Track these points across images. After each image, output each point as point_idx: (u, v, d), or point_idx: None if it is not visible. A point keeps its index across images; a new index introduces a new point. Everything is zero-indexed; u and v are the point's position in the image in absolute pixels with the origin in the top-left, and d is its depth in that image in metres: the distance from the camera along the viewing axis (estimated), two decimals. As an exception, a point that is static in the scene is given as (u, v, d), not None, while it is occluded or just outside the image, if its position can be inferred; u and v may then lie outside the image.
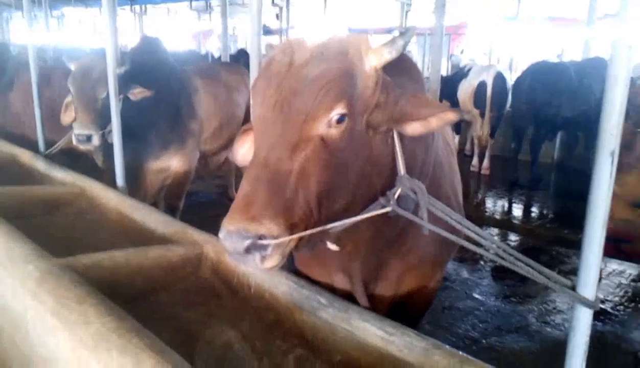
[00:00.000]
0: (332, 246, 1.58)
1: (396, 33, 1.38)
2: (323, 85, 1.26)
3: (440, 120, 1.33)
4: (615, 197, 4.45)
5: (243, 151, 1.68)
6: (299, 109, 1.26)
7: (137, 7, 15.83)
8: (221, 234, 1.20)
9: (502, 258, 1.36)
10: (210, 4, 14.81)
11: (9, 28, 15.03)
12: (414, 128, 1.36)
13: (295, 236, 1.23)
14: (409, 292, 1.93)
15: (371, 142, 1.39)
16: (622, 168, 4.09)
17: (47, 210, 2.96)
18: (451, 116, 1.33)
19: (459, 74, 8.42)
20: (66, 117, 3.65)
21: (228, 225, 1.19)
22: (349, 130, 1.31)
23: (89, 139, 3.33)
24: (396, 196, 1.42)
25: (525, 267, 1.33)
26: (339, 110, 1.27)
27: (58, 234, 2.66)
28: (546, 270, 1.34)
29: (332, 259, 1.79)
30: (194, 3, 14.15)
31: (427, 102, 1.39)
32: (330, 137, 1.28)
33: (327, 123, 1.27)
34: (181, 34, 18.83)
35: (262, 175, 1.22)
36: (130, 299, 2.02)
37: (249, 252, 1.19)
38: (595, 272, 1.29)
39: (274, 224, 1.18)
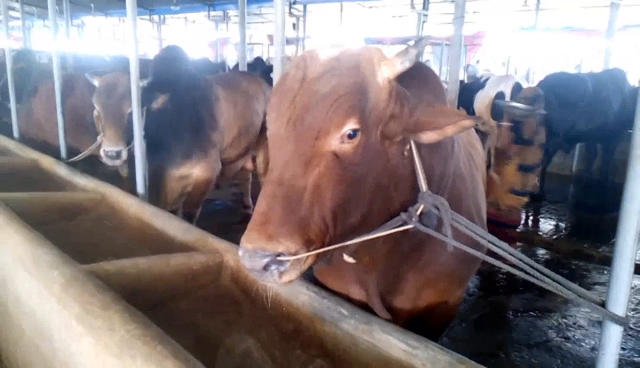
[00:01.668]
0: (348, 258, 1.58)
1: (412, 43, 1.36)
2: (334, 100, 1.26)
3: (457, 127, 1.33)
4: (499, 186, 4.63)
5: None
6: (311, 125, 1.26)
7: (155, 17, 16.11)
8: (240, 253, 1.23)
9: (530, 274, 1.34)
10: (227, 13, 15.01)
11: (30, 36, 15.36)
12: (429, 136, 1.35)
13: (313, 253, 1.24)
14: (427, 307, 1.91)
15: (387, 154, 1.38)
16: (503, 161, 4.34)
17: (68, 216, 3.00)
18: (467, 123, 1.33)
19: (475, 84, 8.38)
20: (100, 127, 3.73)
21: (246, 243, 1.21)
22: (362, 144, 1.30)
23: (118, 155, 3.43)
24: (418, 212, 1.42)
25: (552, 283, 1.31)
26: (350, 125, 1.27)
27: (79, 240, 2.69)
28: (575, 286, 1.32)
29: (349, 270, 1.79)
30: (211, 13, 14.35)
31: (443, 111, 1.38)
32: (344, 152, 1.28)
33: (340, 138, 1.27)
34: (198, 43, 19.05)
35: (277, 193, 1.23)
36: (151, 306, 2.03)
37: (267, 268, 1.21)
38: (626, 288, 1.26)
39: (291, 242, 1.20)
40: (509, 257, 1.39)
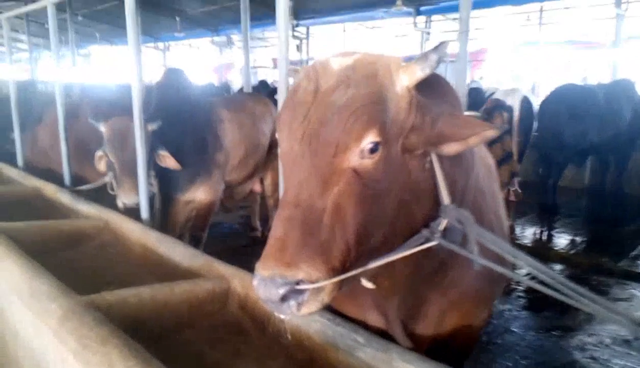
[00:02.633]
0: (367, 284, 1.46)
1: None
2: (352, 113, 1.17)
3: (480, 137, 1.24)
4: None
5: None
6: (328, 141, 1.17)
7: (160, 44, 16.30)
8: (255, 281, 1.12)
9: (566, 295, 1.22)
10: (231, 38, 15.16)
11: (37, 67, 15.58)
12: (452, 148, 1.27)
13: (336, 279, 1.13)
14: (450, 332, 1.78)
15: (408, 168, 1.29)
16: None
17: (71, 244, 2.90)
18: (490, 133, 1.24)
19: (480, 98, 8.30)
20: (100, 166, 3.70)
21: (262, 271, 1.10)
22: (383, 158, 1.21)
23: (137, 205, 3.36)
24: (441, 227, 1.31)
25: (594, 305, 1.19)
26: (371, 138, 1.18)
27: (81, 269, 2.59)
28: (618, 309, 1.20)
29: (366, 295, 1.67)
30: (215, 38, 14.49)
31: (465, 121, 1.29)
32: (364, 168, 1.19)
33: (360, 154, 1.18)
34: (203, 68, 19.25)
35: (294, 215, 1.13)
36: (155, 337, 1.92)
37: (285, 299, 1.10)
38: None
39: (312, 268, 1.10)
40: (542, 276, 1.27)
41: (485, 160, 2.00)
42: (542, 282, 1.30)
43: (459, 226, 1.32)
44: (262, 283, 1.10)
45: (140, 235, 2.83)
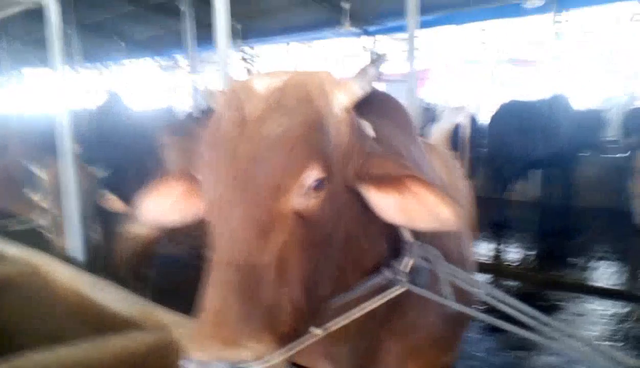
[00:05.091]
0: (315, 330, 1.29)
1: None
2: (290, 146, 0.99)
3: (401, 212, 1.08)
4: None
5: (160, 206, 1.34)
6: (265, 182, 0.98)
7: (102, 66, 15.70)
8: (187, 365, 0.90)
9: (550, 337, 1.10)
10: (177, 61, 14.77)
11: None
12: (377, 200, 1.10)
13: (287, 355, 0.96)
14: None
15: (352, 197, 1.13)
16: None
17: (-8, 295, 2.56)
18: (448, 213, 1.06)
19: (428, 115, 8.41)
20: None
21: (197, 352, 0.89)
22: (330, 195, 1.05)
23: None
24: (407, 269, 1.17)
25: (583, 347, 1.07)
26: (316, 174, 1.01)
27: (1, 325, 2.27)
28: (608, 349, 1.09)
29: (315, 343, 1.49)
30: (162, 61, 14.08)
31: (396, 165, 1.12)
32: (309, 209, 1.01)
33: (303, 193, 1.01)
34: (150, 92, 18.67)
35: (231, 278, 0.94)
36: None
37: None
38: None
39: (259, 344, 0.91)
40: (521, 317, 1.14)
41: (452, 181, 1.88)
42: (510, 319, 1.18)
43: (426, 264, 1.18)
44: None
45: (74, 280, 2.53)
